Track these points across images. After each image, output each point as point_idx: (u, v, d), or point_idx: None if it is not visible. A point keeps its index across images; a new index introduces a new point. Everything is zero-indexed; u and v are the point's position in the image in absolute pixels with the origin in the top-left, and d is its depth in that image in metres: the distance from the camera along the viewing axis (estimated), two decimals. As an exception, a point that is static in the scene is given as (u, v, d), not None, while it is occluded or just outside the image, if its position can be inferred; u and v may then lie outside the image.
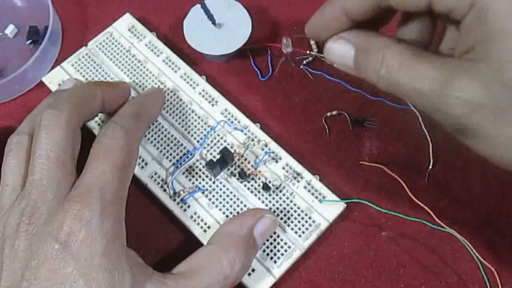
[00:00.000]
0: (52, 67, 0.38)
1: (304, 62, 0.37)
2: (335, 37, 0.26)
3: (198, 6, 0.37)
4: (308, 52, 0.38)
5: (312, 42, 0.38)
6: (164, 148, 0.33)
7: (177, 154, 0.33)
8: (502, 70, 0.21)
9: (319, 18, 0.26)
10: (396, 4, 0.24)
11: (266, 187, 0.32)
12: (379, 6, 0.24)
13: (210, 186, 0.32)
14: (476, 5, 0.22)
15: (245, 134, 0.34)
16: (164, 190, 0.32)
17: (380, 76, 0.24)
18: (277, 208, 0.31)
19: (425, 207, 0.30)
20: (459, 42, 0.24)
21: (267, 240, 0.30)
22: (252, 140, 0.33)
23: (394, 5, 0.24)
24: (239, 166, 0.33)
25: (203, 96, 0.35)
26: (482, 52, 0.22)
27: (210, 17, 0.37)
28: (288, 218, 0.31)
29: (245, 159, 0.33)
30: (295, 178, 0.32)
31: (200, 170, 0.33)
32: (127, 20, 0.38)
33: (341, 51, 0.26)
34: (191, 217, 0.31)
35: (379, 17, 0.26)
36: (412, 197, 0.30)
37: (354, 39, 0.25)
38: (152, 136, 0.34)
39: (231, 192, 0.32)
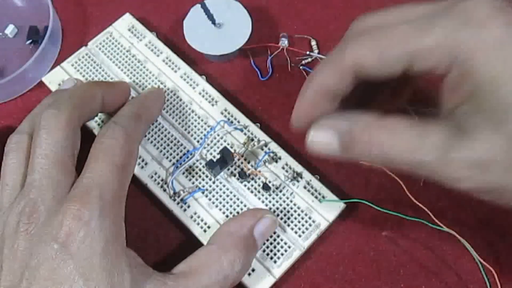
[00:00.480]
0: (52, 67, 0.38)
1: (303, 62, 0.38)
2: (315, 126, 0.25)
3: (198, 6, 0.37)
4: (307, 52, 0.38)
5: (313, 43, 0.38)
6: (164, 148, 0.33)
7: (177, 154, 0.33)
8: (503, 120, 0.20)
9: (302, 107, 0.25)
10: (373, 71, 0.23)
11: (266, 187, 0.32)
12: (357, 78, 0.23)
13: (210, 186, 0.32)
14: (458, 60, 0.21)
15: (245, 134, 0.34)
16: (164, 190, 0.32)
17: (373, 156, 0.23)
18: (277, 208, 0.31)
19: (424, 208, 0.30)
20: (443, 99, 0.23)
21: (267, 240, 0.30)
22: (252, 140, 0.33)
23: (371, 72, 0.23)
24: (239, 166, 0.33)
25: (203, 96, 0.35)
26: (476, 105, 0.21)
27: (210, 17, 0.37)
28: (288, 218, 0.31)
29: (245, 159, 0.33)
30: (295, 178, 0.32)
31: (200, 170, 0.33)
32: (127, 20, 0.38)
33: (324, 140, 0.24)
34: (191, 217, 0.31)
35: (362, 91, 0.25)
36: (411, 197, 0.30)
37: (335, 125, 0.24)
38: (152, 136, 0.34)
39: (231, 192, 0.32)
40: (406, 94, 0.28)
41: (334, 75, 0.24)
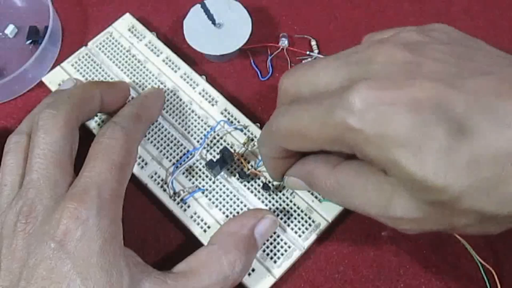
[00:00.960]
0: (52, 67, 0.38)
1: (303, 62, 0.38)
2: (286, 176, 0.29)
3: (198, 6, 0.37)
4: (307, 52, 0.38)
5: (313, 42, 0.38)
6: (164, 148, 0.33)
7: (177, 154, 0.33)
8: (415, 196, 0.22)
9: (269, 170, 0.29)
10: (297, 149, 0.26)
11: (266, 187, 0.32)
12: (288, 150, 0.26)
13: (210, 186, 0.32)
14: (354, 149, 0.22)
15: (245, 134, 0.34)
16: (164, 190, 0.32)
17: (335, 202, 0.28)
18: (277, 208, 0.31)
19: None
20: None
21: (267, 240, 0.30)
22: (252, 140, 0.33)
23: (295, 150, 0.26)
24: (239, 166, 0.33)
25: (203, 96, 0.35)
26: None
27: (210, 17, 0.37)
28: (288, 218, 0.31)
29: (245, 159, 0.33)
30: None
31: (200, 170, 0.33)
32: (127, 20, 0.38)
33: (296, 184, 0.28)
34: (191, 217, 0.31)
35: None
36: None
37: (299, 173, 0.28)
38: (152, 136, 0.34)
39: (231, 192, 0.32)
40: None
41: (272, 150, 0.27)
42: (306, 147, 0.24)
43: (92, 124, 0.34)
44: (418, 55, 0.22)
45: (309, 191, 0.32)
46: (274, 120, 0.25)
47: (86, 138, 0.29)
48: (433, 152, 0.20)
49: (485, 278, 0.29)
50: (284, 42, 0.38)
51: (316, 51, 0.38)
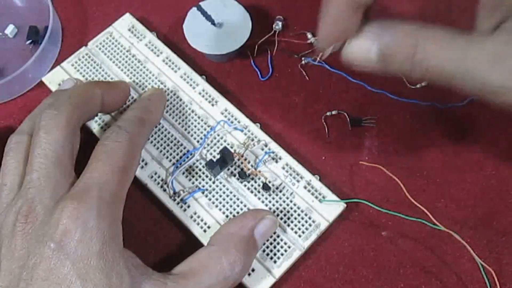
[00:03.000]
0: (52, 67, 0.38)
1: (303, 63, 0.37)
2: (355, 35, 0.24)
3: (195, 9, 0.37)
4: (307, 52, 0.38)
5: (309, 35, 0.38)
6: (164, 148, 0.33)
7: (177, 154, 0.33)
8: None
9: (327, 22, 0.24)
10: None
11: (266, 187, 0.32)
12: None
13: (210, 186, 0.32)
14: None
15: (245, 134, 0.34)
16: (164, 190, 0.32)
17: (415, 63, 0.22)
18: (277, 208, 0.31)
19: (423, 208, 0.30)
20: (483, 18, 0.22)
21: (267, 240, 0.30)
22: (252, 140, 0.33)
23: None
24: (239, 166, 0.33)
25: (203, 96, 0.35)
26: None
27: (208, 18, 0.37)
28: (288, 218, 0.31)
29: (245, 159, 0.33)
30: (295, 178, 0.32)
31: (200, 170, 0.33)
32: (127, 20, 0.38)
33: (363, 48, 0.23)
34: (191, 217, 0.31)
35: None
36: (410, 198, 0.30)
37: (378, 32, 0.23)
38: (152, 136, 0.34)
39: (231, 192, 0.32)
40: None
41: None
42: None
43: (93, 124, 0.34)
44: None
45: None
46: None
47: (86, 139, 0.29)
48: None
49: (485, 278, 0.29)
50: (278, 25, 0.38)
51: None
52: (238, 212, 0.31)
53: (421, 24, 0.23)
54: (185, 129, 0.34)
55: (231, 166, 0.33)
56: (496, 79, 0.21)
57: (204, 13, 0.37)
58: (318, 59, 0.28)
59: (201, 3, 0.37)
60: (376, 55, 0.23)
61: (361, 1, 0.23)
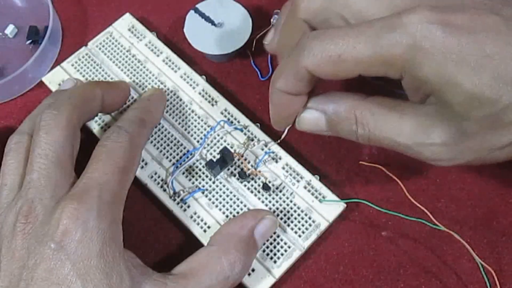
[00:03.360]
0: (52, 67, 0.38)
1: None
2: (305, 108, 0.27)
3: (193, 11, 0.37)
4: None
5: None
6: (164, 148, 0.33)
7: (177, 154, 0.33)
8: (463, 116, 0.23)
9: (275, 110, 0.28)
10: (327, 77, 0.24)
11: (266, 187, 0.32)
12: (312, 80, 0.25)
13: (210, 186, 0.32)
14: (407, 70, 0.23)
15: (245, 134, 0.34)
16: (164, 190, 0.32)
17: (359, 135, 0.26)
18: (277, 208, 0.31)
19: (423, 208, 0.30)
20: (408, 94, 0.25)
21: (267, 240, 0.30)
22: (252, 140, 0.33)
23: (325, 78, 0.25)
24: (239, 166, 0.33)
25: (203, 96, 0.35)
26: (438, 103, 0.23)
27: (207, 19, 0.37)
28: (288, 218, 0.31)
29: (245, 159, 0.33)
30: (295, 178, 0.32)
31: (200, 170, 0.33)
32: (127, 20, 0.38)
33: (312, 120, 0.27)
34: (191, 217, 0.31)
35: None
36: (410, 198, 0.30)
37: (322, 106, 0.26)
38: (152, 136, 0.34)
39: (231, 192, 0.32)
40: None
41: (292, 81, 0.26)
42: (343, 72, 0.24)
43: (93, 125, 0.34)
44: None
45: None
46: (308, 43, 0.24)
47: (86, 139, 0.29)
48: (491, 67, 0.21)
49: (485, 278, 0.29)
50: (275, 19, 0.37)
51: None
52: (238, 212, 0.31)
53: (362, 96, 0.26)
54: (185, 129, 0.34)
55: (231, 166, 0.33)
56: (427, 155, 0.24)
57: (202, 14, 0.37)
58: (281, 139, 0.32)
59: (198, 5, 0.37)
60: (325, 125, 0.27)
61: (299, 91, 0.26)
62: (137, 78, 0.36)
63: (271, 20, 0.38)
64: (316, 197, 0.31)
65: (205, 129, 0.34)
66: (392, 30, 0.22)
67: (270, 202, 0.32)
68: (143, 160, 0.33)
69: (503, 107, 0.22)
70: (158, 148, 0.33)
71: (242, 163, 0.32)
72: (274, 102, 0.28)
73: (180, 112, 0.35)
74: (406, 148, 0.25)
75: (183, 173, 0.32)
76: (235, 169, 0.32)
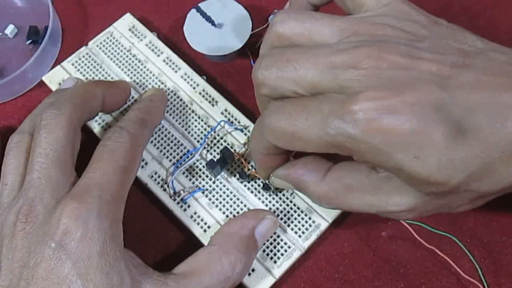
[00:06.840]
0: (52, 67, 0.38)
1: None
2: (273, 174, 0.29)
3: (194, 10, 0.37)
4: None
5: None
6: (164, 148, 0.33)
7: (177, 154, 0.33)
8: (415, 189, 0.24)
9: (258, 168, 0.29)
10: (289, 149, 0.25)
11: (266, 187, 0.32)
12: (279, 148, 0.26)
13: (210, 186, 0.32)
14: (354, 155, 0.23)
15: (245, 134, 0.34)
16: (164, 190, 0.32)
17: (322, 203, 0.27)
18: (277, 208, 0.31)
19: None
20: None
21: (267, 240, 0.30)
22: (252, 140, 0.33)
23: (289, 149, 0.25)
24: (239, 166, 0.33)
25: (203, 96, 0.35)
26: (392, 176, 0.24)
27: (208, 19, 0.37)
28: (288, 219, 0.31)
29: (245, 159, 0.33)
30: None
31: (200, 170, 0.33)
32: (127, 20, 0.38)
33: (283, 185, 0.29)
34: (191, 217, 0.31)
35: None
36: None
37: (288, 177, 0.28)
38: (152, 136, 0.34)
39: (231, 192, 0.32)
40: None
41: (261, 146, 0.27)
42: (299, 148, 0.24)
43: (93, 124, 0.34)
44: (409, 59, 0.22)
45: None
46: (267, 117, 0.25)
47: (86, 139, 0.29)
48: (435, 152, 0.21)
49: (484, 278, 0.29)
50: (272, 18, 0.37)
51: None
52: (238, 212, 0.31)
53: (323, 171, 0.27)
54: (186, 129, 0.34)
55: (231, 166, 0.33)
56: (394, 217, 0.26)
57: (203, 14, 0.37)
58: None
59: (200, 4, 0.37)
60: (292, 187, 0.29)
61: (274, 153, 0.27)
62: (137, 78, 0.36)
63: (269, 18, 0.38)
64: (316, 197, 0.32)
65: (205, 129, 0.34)
66: (338, 117, 0.22)
67: (270, 202, 0.32)
68: (143, 160, 0.33)
69: (453, 187, 0.22)
70: (158, 148, 0.33)
71: (242, 163, 0.32)
72: (254, 158, 0.29)
73: (180, 112, 0.35)
74: (372, 213, 0.26)
75: (184, 173, 0.32)
76: (235, 169, 0.32)
